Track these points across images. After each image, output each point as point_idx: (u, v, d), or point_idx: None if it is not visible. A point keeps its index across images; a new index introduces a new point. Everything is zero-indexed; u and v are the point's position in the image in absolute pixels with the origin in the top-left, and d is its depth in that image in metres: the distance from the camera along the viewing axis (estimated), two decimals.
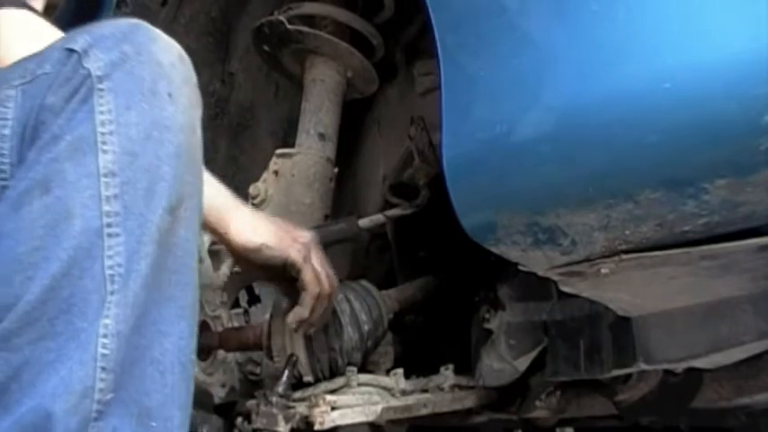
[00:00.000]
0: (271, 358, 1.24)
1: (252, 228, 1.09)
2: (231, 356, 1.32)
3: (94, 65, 0.76)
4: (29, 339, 0.71)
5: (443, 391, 1.28)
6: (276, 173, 1.39)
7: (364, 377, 1.23)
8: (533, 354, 1.20)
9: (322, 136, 1.43)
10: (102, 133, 0.74)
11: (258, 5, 1.59)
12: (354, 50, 1.42)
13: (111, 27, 0.79)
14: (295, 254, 1.11)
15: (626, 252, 0.87)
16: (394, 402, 1.23)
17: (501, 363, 1.22)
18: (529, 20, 0.82)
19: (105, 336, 0.71)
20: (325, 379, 1.23)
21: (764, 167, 0.74)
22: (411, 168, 1.34)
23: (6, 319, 0.71)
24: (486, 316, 1.24)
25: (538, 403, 1.29)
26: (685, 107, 0.73)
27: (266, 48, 1.46)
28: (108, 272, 0.72)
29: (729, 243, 0.84)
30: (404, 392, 1.25)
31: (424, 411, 1.25)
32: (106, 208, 0.73)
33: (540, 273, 0.95)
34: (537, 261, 0.92)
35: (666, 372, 1.16)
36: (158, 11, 1.49)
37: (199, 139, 0.82)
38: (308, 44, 1.42)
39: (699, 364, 1.07)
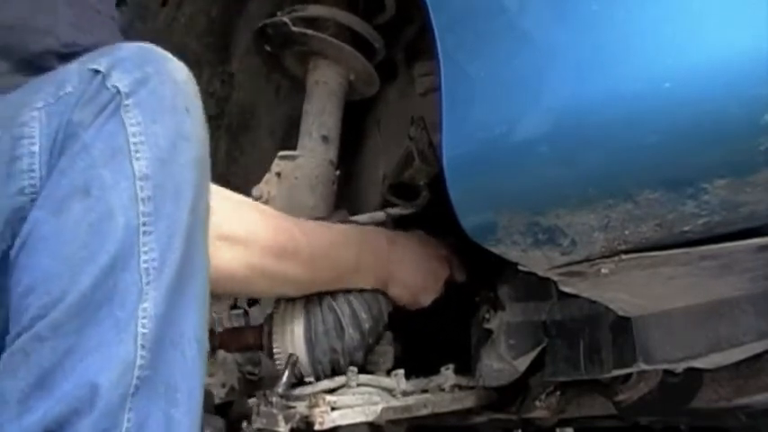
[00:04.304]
0: (271, 358, 1.24)
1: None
2: (231, 357, 1.33)
3: (120, 83, 0.82)
4: (75, 328, 0.76)
5: (443, 392, 1.28)
6: (278, 174, 1.38)
7: (364, 377, 1.23)
8: (533, 354, 1.20)
9: (325, 138, 1.43)
10: (134, 143, 0.81)
11: (258, 6, 1.59)
12: (357, 53, 1.42)
13: (127, 50, 0.86)
14: None
15: (626, 252, 0.87)
16: (394, 402, 1.23)
17: (501, 363, 1.22)
18: (529, 20, 0.82)
19: (144, 317, 0.78)
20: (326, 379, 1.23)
21: (764, 167, 0.74)
22: (411, 168, 1.34)
23: (56, 309, 0.76)
24: (486, 316, 1.24)
25: (538, 403, 1.29)
26: (685, 107, 0.73)
27: (268, 48, 1.46)
28: (143, 266, 0.79)
29: (729, 243, 0.84)
30: (404, 393, 1.25)
31: (423, 411, 1.25)
32: (142, 208, 0.80)
33: (540, 273, 0.95)
34: (537, 261, 0.92)
35: (666, 372, 1.16)
36: (158, 11, 1.49)
37: (208, 149, 0.90)
38: (311, 46, 1.42)
39: (698, 364, 1.07)
